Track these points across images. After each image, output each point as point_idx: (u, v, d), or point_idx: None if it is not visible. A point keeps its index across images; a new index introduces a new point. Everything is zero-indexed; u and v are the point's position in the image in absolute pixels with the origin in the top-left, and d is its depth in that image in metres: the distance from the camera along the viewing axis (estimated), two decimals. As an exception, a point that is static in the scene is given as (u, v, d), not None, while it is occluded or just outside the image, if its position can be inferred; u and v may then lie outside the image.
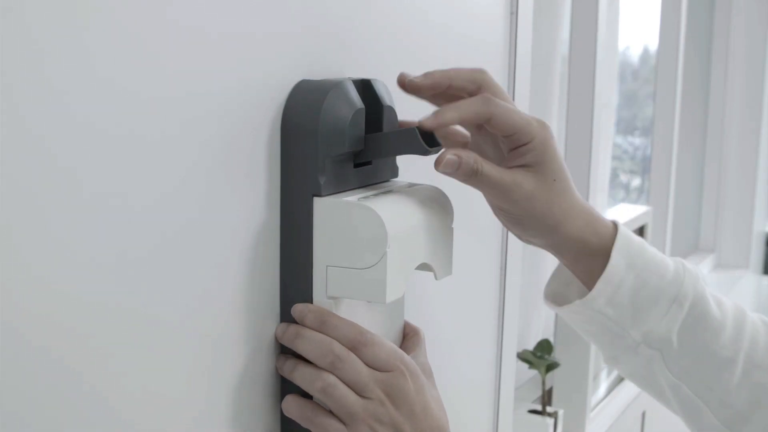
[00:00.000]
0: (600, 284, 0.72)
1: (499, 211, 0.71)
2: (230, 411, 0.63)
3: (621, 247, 0.72)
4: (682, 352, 0.73)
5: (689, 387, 0.74)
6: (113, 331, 0.53)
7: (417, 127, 0.65)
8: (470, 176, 0.66)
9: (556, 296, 0.79)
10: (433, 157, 0.66)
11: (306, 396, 0.65)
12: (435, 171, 0.69)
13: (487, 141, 0.72)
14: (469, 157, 0.66)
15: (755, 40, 2.74)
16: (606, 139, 1.82)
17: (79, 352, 0.51)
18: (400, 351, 0.65)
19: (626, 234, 0.74)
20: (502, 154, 0.70)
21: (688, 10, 2.22)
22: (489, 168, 0.66)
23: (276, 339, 0.67)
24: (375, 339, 0.64)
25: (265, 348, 0.66)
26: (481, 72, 0.68)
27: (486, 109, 0.65)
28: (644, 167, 2.61)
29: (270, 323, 0.66)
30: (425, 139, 0.65)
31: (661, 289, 0.73)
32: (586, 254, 0.72)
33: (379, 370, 0.63)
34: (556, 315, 1.56)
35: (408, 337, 0.73)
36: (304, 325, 0.64)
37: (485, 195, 0.70)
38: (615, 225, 0.74)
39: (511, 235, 1.06)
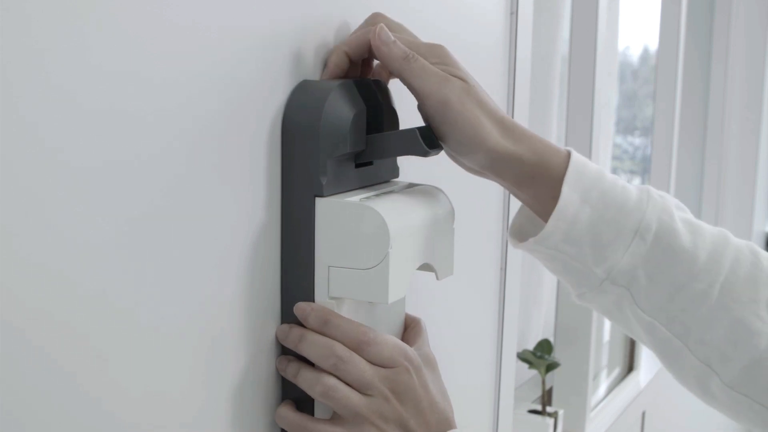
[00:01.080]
0: (553, 220, 0.67)
1: (433, 118, 0.67)
2: (230, 412, 0.63)
3: (573, 179, 0.67)
4: (652, 288, 0.68)
5: (664, 325, 0.69)
6: (112, 331, 0.53)
7: (417, 128, 0.66)
8: (405, 58, 0.66)
9: (520, 232, 0.74)
10: (435, 158, 0.66)
11: (305, 397, 0.65)
12: (436, 172, 0.69)
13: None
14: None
15: (755, 40, 2.74)
16: (606, 139, 1.82)
17: (77, 353, 0.51)
18: (404, 346, 0.65)
19: (580, 162, 0.68)
20: None
21: (688, 10, 2.22)
22: (424, 60, 0.67)
23: (277, 340, 0.67)
24: (378, 337, 0.64)
25: (266, 349, 0.66)
26: (373, 16, 0.70)
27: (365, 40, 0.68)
28: (644, 167, 2.61)
29: (271, 324, 0.66)
30: (425, 141, 0.66)
31: (621, 221, 0.67)
32: (527, 177, 0.68)
33: (383, 367, 0.63)
34: (556, 315, 1.56)
35: (409, 328, 0.73)
36: (306, 324, 0.64)
37: (420, 89, 0.67)
38: (569, 153, 0.69)
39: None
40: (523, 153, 0.67)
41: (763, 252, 0.71)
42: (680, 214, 0.70)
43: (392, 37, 0.66)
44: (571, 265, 0.69)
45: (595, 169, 0.69)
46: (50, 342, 0.49)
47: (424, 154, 0.65)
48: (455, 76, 0.66)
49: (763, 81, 2.76)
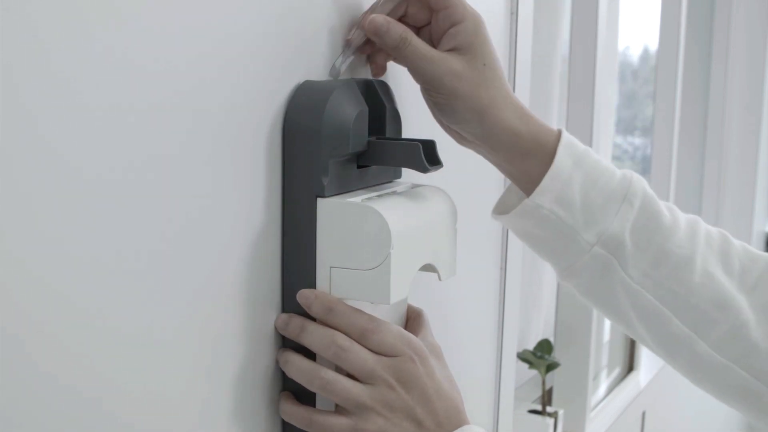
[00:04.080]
0: (547, 180, 0.70)
1: (427, 94, 0.70)
2: (231, 409, 0.63)
3: (567, 146, 0.71)
4: (638, 254, 0.71)
5: (651, 293, 0.72)
6: (111, 330, 0.53)
7: (420, 143, 0.65)
8: (399, 44, 0.67)
9: (504, 207, 0.76)
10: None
11: (304, 391, 0.65)
12: (438, 172, 0.68)
13: (424, 33, 0.71)
14: (399, 25, 0.67)
15: (755, 39, 2.74)
16: (606, 139, 1.82)
17: (76, 352, 0.51)
18: (408, 335, 0.65)
19: (571, 137, 0.72)
20: (435, 44, 0.70)
21: (688, 10, 2.22)
22: (418, 40, 0.67)
23: (277, 341, 0.67)
24: (382, 326, 0.63)
25: (267, 348, 0.66)
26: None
27: None
28: (644, 167, 2.61)
29: (271, 325, 0.66)
30: (427, 157, 0.66)
31: (611, 188, 0.71)
32: (519, 152, 0.70)
33: (386, 356, 0.63)
34: (556, 315, 1.56)
35: (411, 320, 0.73)
36: (310, 312, 0.64)
37: (413, 73, 0.69)
38: (559, 130, 0.72)
39: (511, 235, 1.06)
40: (522, 129, 0.70)
41: (727, 233, 0.76)
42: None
43: (384, 25, 0.67)
44: (561, 230, 0.72)
45: (584, 146, 0.73)
46: (49, 340, 0.49)
47: (424, 170, 0.65)
48: (459, 48, 0.68)
49: (763, 81, 2.76)
